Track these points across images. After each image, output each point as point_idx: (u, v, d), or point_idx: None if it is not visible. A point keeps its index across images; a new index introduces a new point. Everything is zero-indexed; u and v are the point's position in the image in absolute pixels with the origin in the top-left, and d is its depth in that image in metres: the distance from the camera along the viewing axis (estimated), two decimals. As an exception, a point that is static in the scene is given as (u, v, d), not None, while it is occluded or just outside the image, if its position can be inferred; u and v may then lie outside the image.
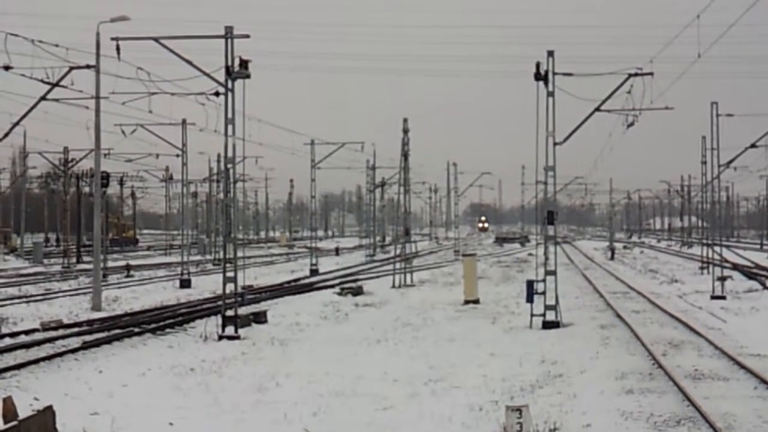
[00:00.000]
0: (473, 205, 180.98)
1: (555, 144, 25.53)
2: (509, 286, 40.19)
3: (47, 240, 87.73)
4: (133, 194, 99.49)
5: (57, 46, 26.86)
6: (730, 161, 37.97)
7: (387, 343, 22.49)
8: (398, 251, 46.96)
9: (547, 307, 25.24)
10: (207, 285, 40.77)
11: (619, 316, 27.50)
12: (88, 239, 61.95)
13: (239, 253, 25.18)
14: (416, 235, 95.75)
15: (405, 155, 43.90)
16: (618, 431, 13.26)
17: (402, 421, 13.84)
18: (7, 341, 22.21)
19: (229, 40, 23.74)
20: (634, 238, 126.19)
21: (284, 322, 26.64)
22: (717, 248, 40.84)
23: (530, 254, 67.08)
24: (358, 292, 36.53)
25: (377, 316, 28.86)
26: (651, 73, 26.24)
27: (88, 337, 22.80)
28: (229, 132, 23.94)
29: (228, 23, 23.71)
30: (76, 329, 24.43)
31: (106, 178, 40.16)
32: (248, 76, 23.89)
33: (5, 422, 11.65)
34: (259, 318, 26.34)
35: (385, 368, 18.41)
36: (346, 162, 65.95)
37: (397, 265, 43.51)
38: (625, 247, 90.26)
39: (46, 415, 12.35)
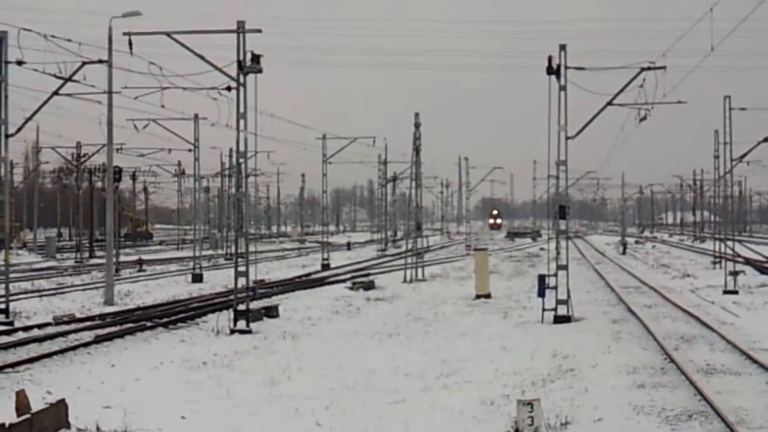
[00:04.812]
0: (485, 199, 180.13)
1: (567, 138, 25.46)
2: (521, 281, 40.13)
3: (60, 235, 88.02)
4: (145, 189, 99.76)
5: (69, 41, 26.86)
6: (743, 155, 37.78)
7: (398, 337, 22.52)
8: (410, 246, 46.93)
9: (559, 302, 25.19)
10: (219, 279, 40.87)
11: (630, 310, 27.43)
12: (101, 234, 62.15)
13: (251, 248, 25.20)
14: (428, 229, 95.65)
15: (416, 150, 43.86)
16: (629, 426, 13.25)
17: (414, 415, 13.85)
18: (21, 335, 22.33)
19: (241, 35, 23.78)
20: (646, 233, 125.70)
21: (296, 316, 26.69)
22: (729, 243, 40.72)
23: (542, 249, 67.03)
24: (369, 286, 36.53)
25: (389, 310, 28.88)
26: (663, 67, 26.17)
27: (100, 331, 22.90)
28: (241, 127, 23.99)
29: (240, 18, 23.80)
30: (88, 323, 24.54)
31: (118, 172, 40.22)
32: (260, 71, 23.94)
33: (18, 415, 11.72)
34: (271, 312, 26.40)
35: (396, 362, 18.44)
36: (358, 157, 66.04)
37: (409, 260, 43.50)
38: (637, 242, 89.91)
39: (59, 409, 12.42)
